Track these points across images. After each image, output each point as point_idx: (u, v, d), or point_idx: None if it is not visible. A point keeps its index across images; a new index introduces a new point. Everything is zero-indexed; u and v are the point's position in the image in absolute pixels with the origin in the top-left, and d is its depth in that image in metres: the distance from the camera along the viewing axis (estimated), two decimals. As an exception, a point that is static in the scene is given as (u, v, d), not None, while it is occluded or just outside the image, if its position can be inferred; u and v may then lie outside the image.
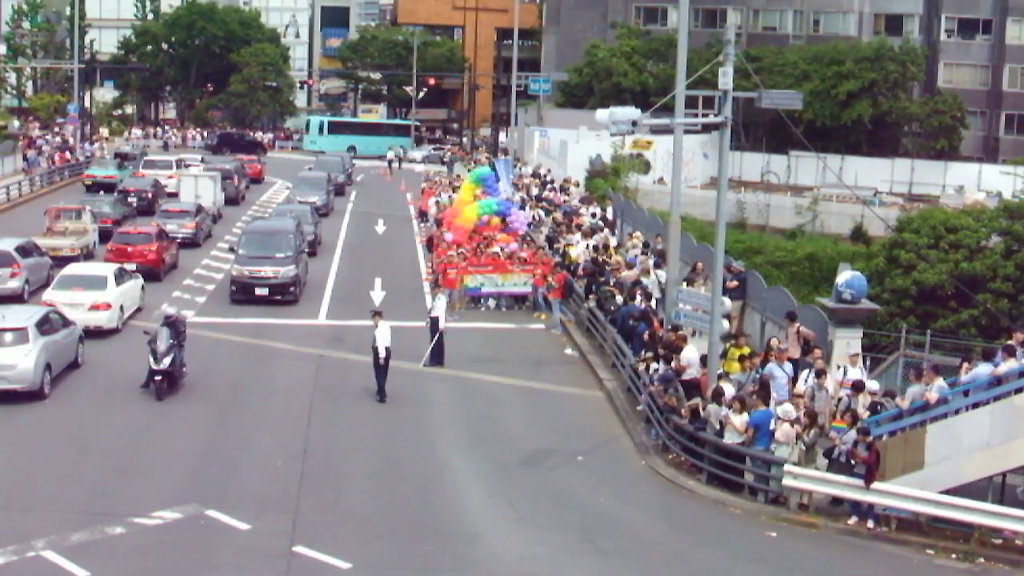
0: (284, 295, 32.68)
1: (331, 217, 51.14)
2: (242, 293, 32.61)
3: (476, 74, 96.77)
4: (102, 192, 50.87)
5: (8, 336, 23.07)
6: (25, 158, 63.85)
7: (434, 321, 27.24)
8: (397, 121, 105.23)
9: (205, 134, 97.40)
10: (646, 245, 35.18)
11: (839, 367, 21.78)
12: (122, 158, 65.50)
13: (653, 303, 27.54)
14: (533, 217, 45.50)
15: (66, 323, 25.36)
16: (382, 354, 24.35)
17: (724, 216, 22.69)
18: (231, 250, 35.16)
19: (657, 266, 30.57)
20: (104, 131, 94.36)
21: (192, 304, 32.49)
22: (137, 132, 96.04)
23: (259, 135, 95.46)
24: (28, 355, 22.84)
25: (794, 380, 21.39)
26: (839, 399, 20.59)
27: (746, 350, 22.54)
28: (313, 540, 16.62)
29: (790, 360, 22.42)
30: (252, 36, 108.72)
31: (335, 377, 26.06)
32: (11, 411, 22.39)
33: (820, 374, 20.93)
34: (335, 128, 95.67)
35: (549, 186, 52.72)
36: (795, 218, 55.21)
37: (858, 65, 72.44)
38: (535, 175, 57.76)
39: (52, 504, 17.86)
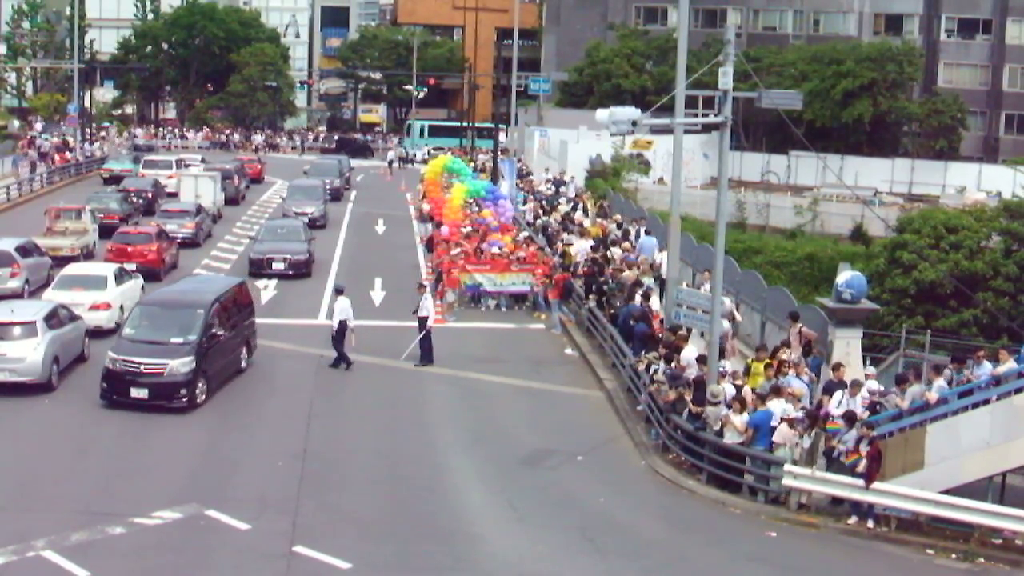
0: (172, 400, 22.56)
1: (329, 224, 48.91)
2: (113, 392, 22.69)
3: (476, 74, 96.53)
4: (110, 188, 51.12)
5: (17, 330, 23.41)
6: (24, 157, 63.93)
7: (422, 321, 27.23)
8: (491, 126, 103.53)
9: (206, 134, 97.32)
10: (619, 226, 35.72)
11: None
12: (141, 151, 67.38)
13: (656, 301, 27.50)
14: (533, 217, 45.47)
15: (73, 317, 25.59)
16: (335, 325, 26.32)
17: (724, 216, 22.67)
18: (117, 326, 26.69)
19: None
20: (114, 130, 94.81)
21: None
22: (138, 131, 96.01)
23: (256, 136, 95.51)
24: (37, 348, 23.16)
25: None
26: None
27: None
28: (313, 540, 16.62)
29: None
30: (252, 36, 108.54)
31: (335, 377, 26.06)
32: (12, 410, 22.41)
33: (853, 384, 20.64)
34: (435, 131, 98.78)
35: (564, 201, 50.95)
36: (795, 218, 55.16)
37: (858, 65, 72.39)
38: (548, 181, 56.73)
39: (52, 504, 17.85)
